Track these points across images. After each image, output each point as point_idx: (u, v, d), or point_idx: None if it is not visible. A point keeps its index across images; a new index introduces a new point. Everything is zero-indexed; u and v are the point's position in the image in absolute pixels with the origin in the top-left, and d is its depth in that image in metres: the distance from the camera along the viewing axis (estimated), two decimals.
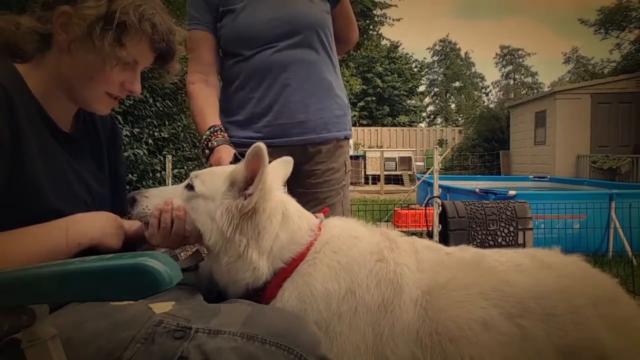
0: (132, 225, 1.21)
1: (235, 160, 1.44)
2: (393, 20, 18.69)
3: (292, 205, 1.24)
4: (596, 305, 1.08)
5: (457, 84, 38.60)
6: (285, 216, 1.17)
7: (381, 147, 17.89)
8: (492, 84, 42.47)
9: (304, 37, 1.68)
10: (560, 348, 1.04)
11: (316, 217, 1.27)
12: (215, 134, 1.54)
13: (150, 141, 4.78)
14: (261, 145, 1.05)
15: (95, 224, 1.06)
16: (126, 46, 1.03)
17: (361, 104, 24.13)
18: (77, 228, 1.01)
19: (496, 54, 41.06)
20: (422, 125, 29.01)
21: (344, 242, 1.18)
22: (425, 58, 40.87)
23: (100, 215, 1.10)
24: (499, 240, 3.78)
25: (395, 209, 6.19)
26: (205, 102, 1.65)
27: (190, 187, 1.16)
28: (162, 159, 5.03)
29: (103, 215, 1.11)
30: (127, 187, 1.43)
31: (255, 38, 1.68)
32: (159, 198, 1.16)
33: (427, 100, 37.05)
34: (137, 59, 1.08)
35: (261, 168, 1.06)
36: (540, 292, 1.09)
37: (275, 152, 1.71)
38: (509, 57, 40.33)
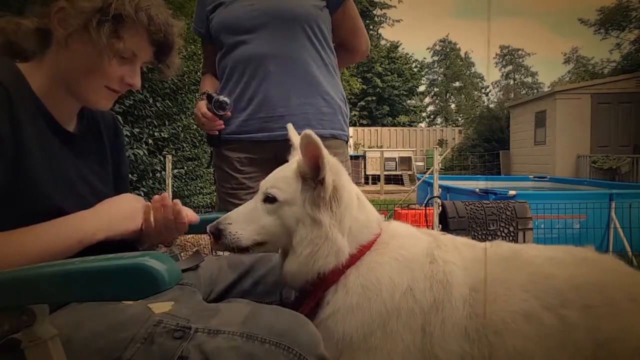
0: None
1: (209, 100, 1.72)
2: (393, 21, 18.71)
3: (361, 194, 1.28)
4: (634, 301, 1.10)
5: (457, 84, 38.59)
6: (359, 199, 1.23)
7: (381, 147, 17.87)
8: (492, 84, 42.41)
9: (286, 30, 1.67)
10: (598, 339, 1.06)
11: None
12: (201, 96, 1.81)
13: (150, 141, 4.78)
14: (308, 132, 1.08)
15: (97, 219, 1.02)
16: (123, 38, 1.03)
17: (361, 103, 24.08)
18: (77, 226, 0.99)
19: (496, 54, 41.12)
20: (422, 125, 29.00)
21: (408, 240, 1.22)
22: (425, 58, 40.87)
23: (105, 205, 1.07)
24: (499, 240, 3.77)
25: (396, 209, 6.18)
26: (203, 80, 1.95)
27: (269, 199, 1.17)
28: (162, 159, 5.03)
29: (108, 205, 1.07)
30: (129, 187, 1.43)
31: (235, 26, 1.69)
32: (242, 221, 1.17)
33: (427, 100, 37.03)
34: (135, 51, 1.08)
35: (319, 150, 1.09)
36: (578, 283, 1.11)
37: (258, 148, 1.73)
38: (509, 57, 40.34)
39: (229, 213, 1.21)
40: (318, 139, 1.08)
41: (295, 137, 1.36)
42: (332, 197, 1.13)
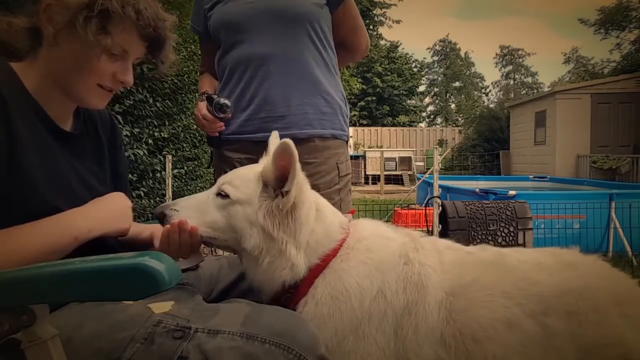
0: (143, 231, 1.22)
1: (209, 102, 1.68)
2: (393, 21, 18.72)
3: (322, 200, 1.25)
4: (620, 305, 1.08)
5: (457, 84, 38.59)
6: (319, 211, 1.19)
7: (381, 147, 17.87)
8: (492, 84, 42.55)
9: (287, 29, 1.64)
10: (582, 346, 1.04)
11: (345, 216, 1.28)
12: (200, 96, 1.79)
13: (150, 141, 4.77)
14: (288, 141, 1.06)
15: (92, 216, 1.03)
16: (111, 34, 1.01)
17: (361, 103, 24.06)
18: (73, 223, 0.99)
19: (496, 54, 41.19)
20: (422, 125, 28.98)
21: (376, 241, 1.19)
22: (425, 58, 40.79)
23: (98, 203, 1.08)
24: (499, 240, 3.77)
25: (395, 209, 6.19)
26: (201, 80, 1.92)
27: (222, 194, 1.14)
28: (162, 159, 5.02)
29: (101, 203, 1.08)
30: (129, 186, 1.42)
31: (235, 25, 1.67)
32: (190, 210, 1.14)
33: (427, 100, 36.99)
34: (125, 47, 1.06)
35: (293, 163, 1.06)
36: (562, 290, 1.09)
37: (258, 148, 1.70)
38: (509, 57, 40.36)
39: (179, 199, 1.19)
40: (295, 151, 1.06)
41: (274, 142, 1.32)
42: (290, 212, 1.11)
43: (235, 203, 1.13)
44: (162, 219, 1.14)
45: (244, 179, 1.16)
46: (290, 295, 1.12)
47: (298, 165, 1.08)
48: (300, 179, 1.11)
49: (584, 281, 1.11)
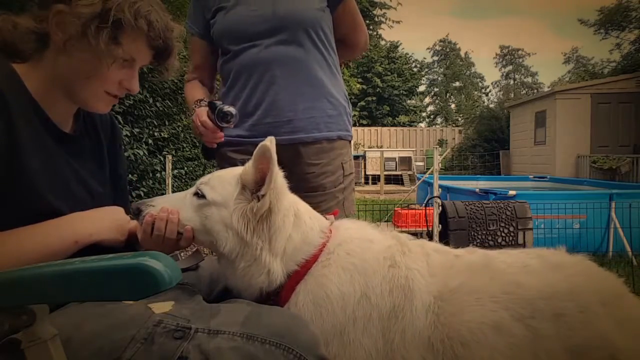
0: (135, 224, 1.22)
1: (211, 109, 1.56)
2: (393, 22, 18.74)
3: (302, 205, 1.23)
4: (605, 305, 1.08)
5: (457, 84, 38.58)
6: (297, 217, 1.17)
7: (381, 147, 17.86)
8: (492, 84, 42.57)
9: (290, 34, 1.65)
10: (570, 348, 1.04)
11: (326, 218, 1.26)
12: (198, 102, 1.68)
13: (150, 141, 4.78)
14: (267, 144, 1.06)
15: (94, 221, 1.05)
16: (122, 44, 1.02)
17: (361, 103, 24.05)
18: (75, 226, 1.01)
19: (496, 54, 41.20)
20: (422, 125, 28.96)
21: (358, 244, 1.17)
22: (425, 58, 40.81)
23: (100, 211, 1.10)
24: (499, 240, 3.78)
25: (395, 209, 6.18)
26: (192, 88, 1.80)
27: (199, 194, 1.13)
28: (162, 159, 5.02)
29: (103, 211, 1.11)
30: (128, 186, 1.43)
31: (240, 33, 1.67)
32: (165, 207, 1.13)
33: (427, 100, 36.98)
34: (134, 56, 1.07)
35: (270, 167, 1.05)
36: (549, 292, 1.09)
37: None
38: (509, 57, 40.38)
39: (156, 197, 1.19)
40: (274, 155, 1.05)
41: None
42: (265, 217, 1.09)
43: (211, 204, 1.11)
44: (137, 214, 1.13)
45: (222, 181, 1.14)
46: (272, 301, 1.11)
47: (276, 170, 1.07)
48: (278, 184, 1.10)
49: (570, 283, 1.11)
